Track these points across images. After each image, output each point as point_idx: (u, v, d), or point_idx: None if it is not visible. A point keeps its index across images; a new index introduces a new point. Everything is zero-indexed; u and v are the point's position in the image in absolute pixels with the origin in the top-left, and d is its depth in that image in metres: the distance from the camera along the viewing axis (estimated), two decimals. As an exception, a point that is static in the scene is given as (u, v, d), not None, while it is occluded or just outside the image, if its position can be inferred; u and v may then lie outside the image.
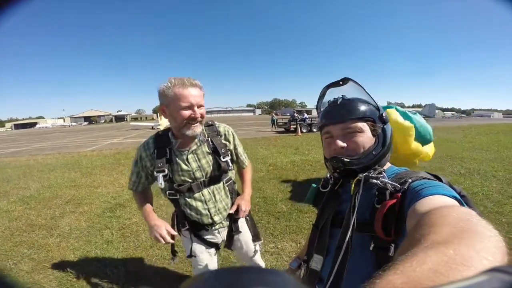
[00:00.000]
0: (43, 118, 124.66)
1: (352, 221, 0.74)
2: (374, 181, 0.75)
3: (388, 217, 0.69)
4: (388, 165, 0.89)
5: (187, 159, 1.37)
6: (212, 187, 1.44)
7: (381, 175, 0.76)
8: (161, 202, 4.46)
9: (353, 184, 0.80)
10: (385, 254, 0.71)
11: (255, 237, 1.65)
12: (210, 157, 1.42)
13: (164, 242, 1.32)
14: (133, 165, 1.45)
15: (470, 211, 0.46)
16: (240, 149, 1.60)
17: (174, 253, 1.60)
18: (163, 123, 12.33)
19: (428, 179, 0.72)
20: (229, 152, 1.49)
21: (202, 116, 1.31)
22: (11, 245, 3.28)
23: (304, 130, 16.67)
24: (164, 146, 1.37)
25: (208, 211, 1.43)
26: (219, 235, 1.54)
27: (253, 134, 16.99)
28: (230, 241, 1.57)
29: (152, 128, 25.54)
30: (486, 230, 0.36)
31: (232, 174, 1.56)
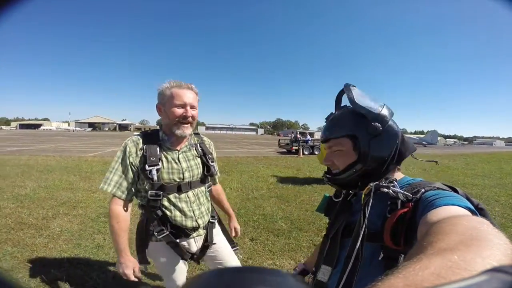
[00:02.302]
0: (48, 120, 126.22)
1: (363, 230, 0.72)
2: (385, 190, 0.74)
3: (398, 226, 0.68)
4: (401, 175, 0.88)
5: (178, 158, 1.39)
6: (196, 189, 1.45)
7: (392, 184, 0.75)
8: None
9: (364, 194, 0.78)
10: (394, 265, 0.69)
11: (232, 244, 1.71)
12: (199, 160, 1.47)
13: (129, 279, 1.36)
14: (116, 163, 1.34)
15: (482, 220, 0.44)
16: (216, 163, 1.61)
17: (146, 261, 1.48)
18: None
19: (443, 189, 0.70)
20: (214, 160, 1.56)
21: (193, 118, 1.37)
22: (-5, 242, 3.15)
23: (306, 152, 16.60)
24: (154, 143, 1.36)
25: (193, 212, 1.41)
26: (195, 244, 1.49)
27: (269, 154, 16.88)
28: (202, 252, 1.52)
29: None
30: (495, 238, 0.35)
31: (211, 181, 1.62)
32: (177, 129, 1.33)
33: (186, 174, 1.39)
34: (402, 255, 0.70)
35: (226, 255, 1.62)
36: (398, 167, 0.88)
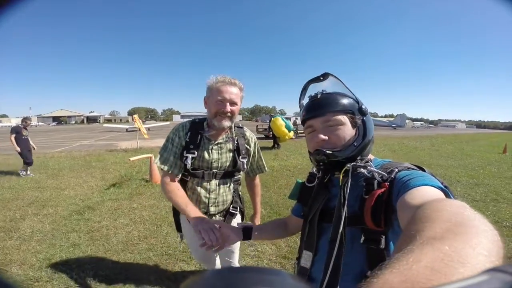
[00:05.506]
0: (7, 116, 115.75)
1: (344, 213, 0.72)
2: (362, 170, 0.75)
3: (377, 207, 0.69)
4: (372, 157, 0.89)
5: (211, 149, 1.49)
6: (221, 180, 1.55)
7: (369, 164, 0.77)
8: (134, 206, 4.29)
9: (341, 175, 0.79)
10: (376, 247, 0.71)
11: None
12: (231, 154, 1.54)
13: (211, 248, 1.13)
14: (170, 144, 1.48)
15: (464, 204, 0.45)
16: (260, 155, 1.75)
17: (180, 230, 1.72)
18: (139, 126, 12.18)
19: (413, 169, 0.73)
20: (248, 156, 1.62)
21: (232, 112, 1.43)
22: (-38, 248, 2.93)
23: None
24: (197, 131, 1.48)
25: (208, 200, 1.52)
26: None
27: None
28: None
29: (127, 130, 24.52)
30: (481, 224, 0.36)
31: (241, 175, 1.68)
32: (216, 121, 1.42)
33: (214, 165, 1.50)
34: (383, 236, 0.71)
35: (236, 246, 1.78)
36: None
